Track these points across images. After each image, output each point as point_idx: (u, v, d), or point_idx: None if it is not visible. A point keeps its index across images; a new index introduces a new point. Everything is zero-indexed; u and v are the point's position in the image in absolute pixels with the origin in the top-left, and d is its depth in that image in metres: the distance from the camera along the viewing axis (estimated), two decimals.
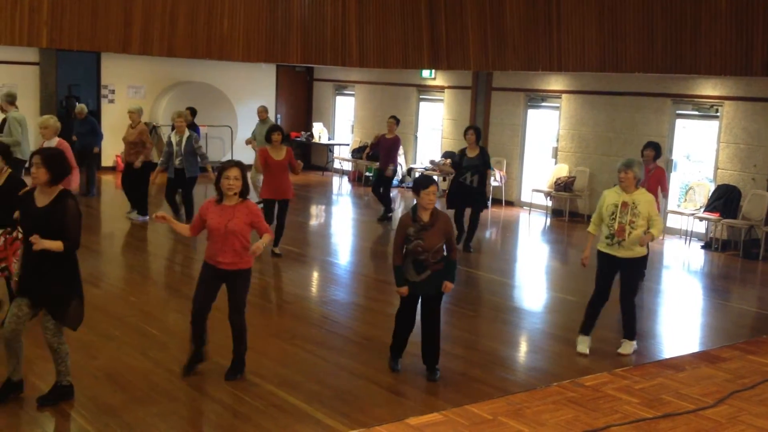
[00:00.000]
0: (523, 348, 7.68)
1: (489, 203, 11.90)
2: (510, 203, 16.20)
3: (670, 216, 13.55)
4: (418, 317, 6.51)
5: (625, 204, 6.95)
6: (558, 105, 15.42)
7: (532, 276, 10.92)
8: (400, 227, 6.28)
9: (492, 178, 11.61)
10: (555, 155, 15.44)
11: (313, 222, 14.56)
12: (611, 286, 7.20)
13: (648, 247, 7.44)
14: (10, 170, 6.76)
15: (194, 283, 8.68)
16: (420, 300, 6.40)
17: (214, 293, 6.16)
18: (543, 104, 15.93)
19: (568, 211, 14.79)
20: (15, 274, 5.65)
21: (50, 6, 15.17)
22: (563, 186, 14.67)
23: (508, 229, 14.35)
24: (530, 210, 15.63)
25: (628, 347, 7.22)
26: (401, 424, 5.45)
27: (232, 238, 5.95)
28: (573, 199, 14.81)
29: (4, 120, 12.02)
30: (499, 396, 6.06)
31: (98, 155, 15.02)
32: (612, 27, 12.90)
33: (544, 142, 15.96)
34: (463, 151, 11.45)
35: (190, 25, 16.73)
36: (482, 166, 11.29)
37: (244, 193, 6.04)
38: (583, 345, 7.22)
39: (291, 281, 9.70)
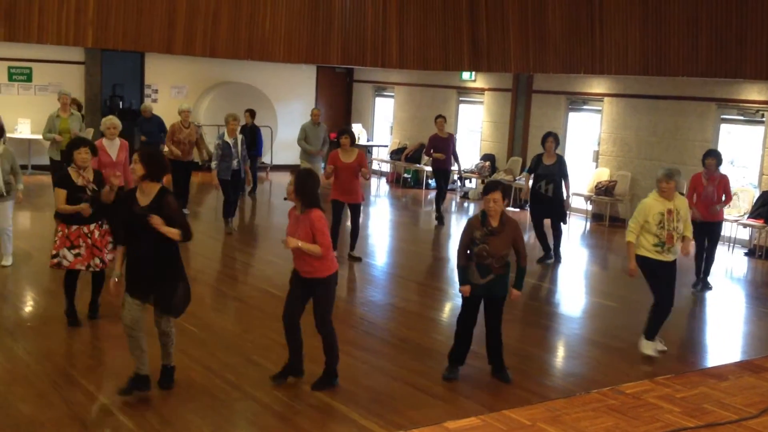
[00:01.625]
0: (561, 353, 7.60)
1: (565, 215, 11.34)
2: None
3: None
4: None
5: (670, 211, 7.08)
6: (600, 108, 15.24)
7: (571, 280, 10.80)
8: (468, 229, 6.29)
9: (568, 189, 11.07)
10: (596, 159, 15.27)
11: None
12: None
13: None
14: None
15: (235, 283, 8.78)
16: (483, 303, 6.41)
17: (300, 298, 6.05)
18: (584, 107, 15.76)
19: (609, 216, 14.61)
20: (115, 274, 5.76)
21: (96, 6, 15.43)
22: (604, 190, 14.49)
23: (547, 234, 14.19)
24: (570, 214, 15.44)
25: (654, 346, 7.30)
26: (439, 428, 5.43)
27: (296, 251, 5.90)
28: (614, 204, 14.62)
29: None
30: (537, 402, 6.01)
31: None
32: (656, 29, 12.71)
33: (584, 146, 15.79)
34: (539, 158, 11.03)
35: (232, 26, 16.89)
36: (558, 175, 10.84)
37: (308, 202, 5.91)
38: (650, 348, 7.29)
39: None
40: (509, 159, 16.63)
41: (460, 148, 18.03)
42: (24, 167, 16.23)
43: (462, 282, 6.35)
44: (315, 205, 5.92)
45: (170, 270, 5.67)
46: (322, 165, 14.46)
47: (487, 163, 16.67)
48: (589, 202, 14.93)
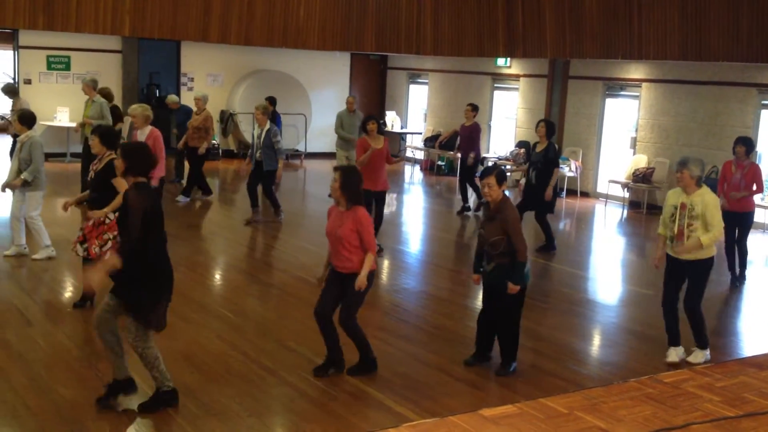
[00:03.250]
0: (597, 342, 7.53)
1: (551, 206, 10.64)
2: (585, 194, 15.90)
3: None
4: None
5: (683, 205, 6.53)
6: (637, 94, 15.02)
7: (607, 268, 10.69)
8: (481, 215, 6.30)
9: (556, 178, 10.49)
10: (633, 145, 15.06)
11: (385, 210, 14.52)
12: (678, 290, 6.76)
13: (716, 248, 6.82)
14: (112, 155, 6.82)
15: (272, 271, 8.84)
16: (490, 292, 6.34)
17: (335, 294, 6.03)
18: (622, 93, 15.55)
19: (646, 203, 14.42)
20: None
21: None
22: (641, 177, 14.30)
23: (583, 221, 14.10)
24: (606, 201, 15.30)
25: (699, 356, 6.72)
26: (475, 415, 5.42)
27: (339, 244, 5.90)
28: (651, 191, 14.43)
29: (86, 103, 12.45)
30: (574, 390, 5.97)
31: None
32: (695, 14, 12.47)
33: (622, 132, 15.59)
34: (534, 145, 10.83)
35: (267, 14, 16.93)
36: (543, 162, 10.39)
37: (353, 199, 5.88)
38: (672, 355, 6.74)
39: None
40: None
41: (494, 135, 18.07)
42: (62, 155, 16.55)
43: (473, 269, 6.41)
44: (359, 202, 5.90)
45: (139, 283, 5.12)
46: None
47: (522, 150, 16.53)
48: (626, 189, 14.75)
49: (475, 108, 13.67)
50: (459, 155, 14.13)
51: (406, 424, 5.26)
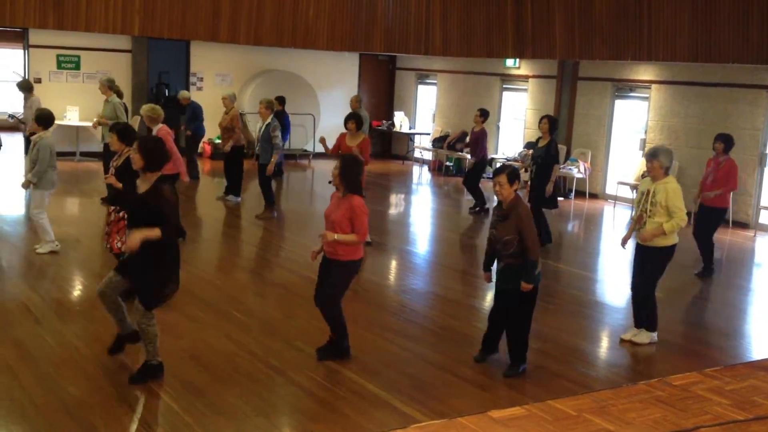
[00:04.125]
0: (605, 344, 7.50)
1: (553, 202, 10.89)
2: (594, 195, 15.86)
3: (762, 212, 13.04)
4: None
5: (648, 192, 6.90)
6: (647, 96, 14.97)
7: (616, 270, 10.65)
8: (492, 215, 6.37)
9: (556, 174, 10.61)
10: (643, 147, 15.00)
11: (393, 211, 14.58)
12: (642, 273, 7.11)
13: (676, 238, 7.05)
14: (131, 151, 6.90)
15: (279, 270, 8.86)
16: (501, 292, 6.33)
17: (326, 279, 6.29)
18: (631, 95, 15.50)
19: None
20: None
21: None
22: None
23: (592, 222, 14.05)
24: (615, 203, 15.25)
25: (644, 337, 7.11)
26: (484, 417, 5.40)
27: (331, 229, 6.07)
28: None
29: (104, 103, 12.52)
30: (582, 392, 5.94)
31: (191, 138, 15.20)
32: (705, 15, 12.42)
33: (631, 134, 15.54)
34: (537, 141, 10.95)
35: (276, 15, 16.95)
36: (543, 158, 10.53)
37: (350, 187, 6.07)
38: (628, 333, 7.25)
39: (370, 269, 9.72)
40: None
41: (503, 136, 18.03)
42: (72, 154, 16.60)
43: (483, 268, 6.50)
44: (357, 191, 6.10)
45: (157, 264, 5.48)
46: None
47: (531, 152, 16.48)
48: (635, 191, 14.68)
49: (483, 113, 13.67)
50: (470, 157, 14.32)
51: (414, 426, 5.25)
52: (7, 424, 4.96)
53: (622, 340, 7.19)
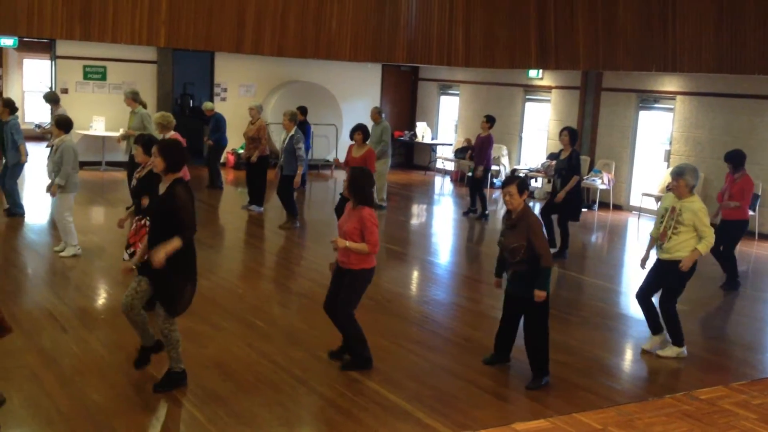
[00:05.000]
0: (629, 357, 7.42)
1: (576, 213, 11.05)
2: (618, 207, 15.75)
3: None
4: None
5: (673, 209, 6.92)
6: (672, 107, 14.87)
7: (640, 283, 10.53)
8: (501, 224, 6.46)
9: (573, 184, 10.69)
10: (667, 158, 14.90)
11: (414, 221, 14.58)
12: (654, 287, 7.17)
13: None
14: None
15: (301, 280, 8.88)
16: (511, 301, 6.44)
17: (336, 289, 6.38)
18: (655, 106, 15.40)
19: None
20: (132, 262, 5.95)
21: (168, 7, 15.77)
22: None
23: (616, 234, 13.95)
24: (639, 214, 15.13)
25: (670, 351, 7.07)
26: (507, 429, 5.37)
27: (344, 238, 6.19)
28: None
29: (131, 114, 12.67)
30: (607, 405, 5.89)
31: (216, 149, 15.39)
32: (731, 25, 12.32)
33: (655, 145, 15.43)
34: (559, 153, 11.09)
35: (299, 26, 17.05)
36: (566, 170, 10.67)
37: (359, 198, 6.19)
38: (647, 343, 7.29)
39: (392, 280, 9.72)
40: None
41: (525, 147, 17.98)
42: (98, 164, 16.77)
43: (495, 274, 6.64)
44: (367, 202, 6.21)
45: (176, 268, 5.50)
46: (389, 163, 14.52)
47: (554, 162, 16.42)
48: (659, 202, 14.55)
49: (489, 119, 13.72)
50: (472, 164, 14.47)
51: None
52: (33, 431, 5.00)
53: (644, 351, 7.21)
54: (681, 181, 6.86)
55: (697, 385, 6.40)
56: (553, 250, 10.98)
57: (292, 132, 11.83)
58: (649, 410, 5.84)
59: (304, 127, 15.13)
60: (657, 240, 7.06)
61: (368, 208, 6.19)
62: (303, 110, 15.12)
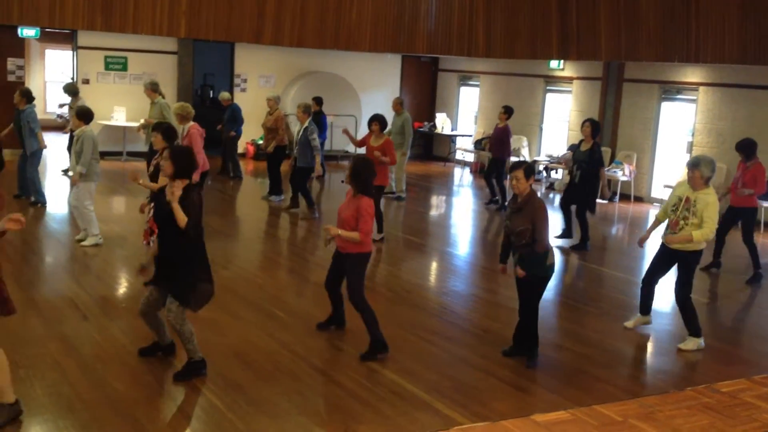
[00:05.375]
0: (650, 349, 7.37)
1: (592, 205, 11.12)
2: (639, 199, 15.63)
3: None
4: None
5: (687, 199, 6.96)
6: (694, 98, 14.71)
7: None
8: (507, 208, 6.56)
9: (605, 178, 10.86)
10: (689, 150, 14.75)
11: (434, 212, 14.55)
12: (659, 272, 7.36)
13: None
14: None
15: (320, 270, 8.91)
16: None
17: (335, 271, 6.70)
18: (678, 97, 15.25)
19: None
20: (143, 261, 6.07)
21: None
22: None
23: (636, 226, 13.83)
24: (660, 206, 14.98)
25: (690, 344, 7.09)
26: (527, 420, 5.35)
27: (341, 225, 6.37)
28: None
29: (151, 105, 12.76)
30: (628, 398, 5.85)
31: (233, 139, 15.50)
32: (755, 16, 12.16)
33: (678, 137, 15.28)
34: (578, 144, 11.03)
35: (319, 17, 17.04)
36: (588, 162, 10.61)
37: (360, 187, 6.33)
38: (630, 322, 7.56)
39: (410, 271, 9.72)
40: None
41: (546, 138, 17.88)
42: (119, 154, 16.88)
43: (500, 260, 6.70)
44: (366, 191, 6.34)
45: (188, 269, 5.62)
46: (408, 154, 14.52)
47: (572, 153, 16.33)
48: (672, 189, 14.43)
49: (507, 110, 13.74)
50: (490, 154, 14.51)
51: (457, 428, 5.22)
52: (55, 419, 5.05)
53: (626, 328, 7.49)
54: (696, 172, 6.88)
55: (719, 378, 6.35)
56: (572, 242, 11.06)
57: (306, 124, 11.93)
58: (670, 403, 5.80)
59: (320, 118, 15.18)
60: (665, 226, 7.18)
61: (367, 198, 6.32)
62: (318, 101, 15.18)
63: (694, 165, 6.92)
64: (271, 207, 12.98)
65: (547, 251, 6.27)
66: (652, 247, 7.94)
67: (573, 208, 11.09)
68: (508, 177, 6.42)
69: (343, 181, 6.78)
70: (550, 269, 6.34)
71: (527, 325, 6.43)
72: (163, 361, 6.03)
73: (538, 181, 16.84)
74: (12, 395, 4.97)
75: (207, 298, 5.77)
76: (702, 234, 6.86)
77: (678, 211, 6.99)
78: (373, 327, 6.44)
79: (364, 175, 6.33)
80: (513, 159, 16.92)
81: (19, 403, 5.01)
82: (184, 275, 5.61)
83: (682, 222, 6.94)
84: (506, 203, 13.63)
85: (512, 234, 6.34)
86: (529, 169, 6.31)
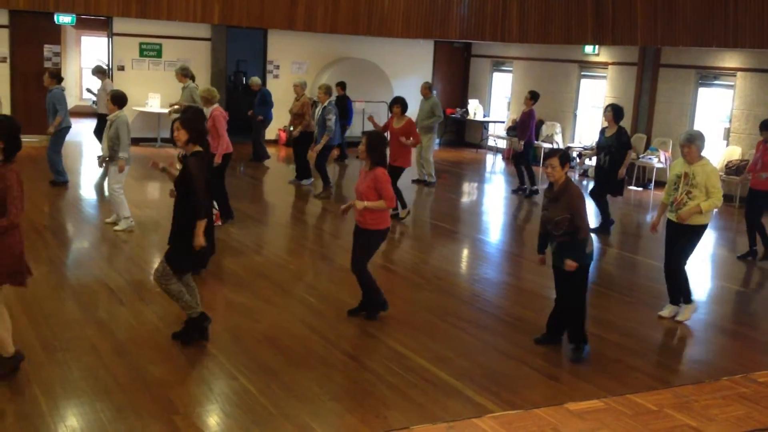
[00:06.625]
0: (685, 338, 7.28)
1: (622, 188, 11.24)
2: None
3: None
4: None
5: (686, 175, 7.08)
6: (732, 83, 14.44)
7: (695, 263, 10.31)
8: (543, 197, 6.47)
9: (629, 159, 10.82)
10: (727, 137, 14.50)
11: (465, 199, 14.49)
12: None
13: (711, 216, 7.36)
14: None
15: (348, 255, 8.91)
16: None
17: (356, 246, 6.89)
18: (715, 82, 14.98)
19: (739, 197, 13.85)
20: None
21: None
22: (735, 169, 13.75)
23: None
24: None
25: (687, 312, 7.28)
26: (560, 409, 5.32)
27: (360, 199, 6.62)
28: (745, 184, 13.79)
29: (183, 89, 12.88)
30: (662, 387, 5.80)
31: (261, 123, 15.56)
32: None
33: (715, 123, 15.02)
34: (603, 130, 11.03)
35: (352, 2, 17.00)
36: (615, 147, 10.64)
37: (375, 160, 6.63)
38: (665, 311, 7.49)
39: (442, 257, 9.71)
40: (633, 136, 16.00)
41: (580, 125, 17.67)
42: (153, 140, 17.04)
43: (537, 250, 6.60)
44: (381, 164, 6.67)
45: (184, 232, 5.89)
46: (436, 140, 14.50)
47: None
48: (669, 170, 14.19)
49: (533, 95, 13.77)
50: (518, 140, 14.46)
51: (490, 415, 5.20)
52: (91, 401, 5.14)
53: (660, 317, 7.41)
54: (693, 146, 7.05)
55: (755, 368, 6.25)
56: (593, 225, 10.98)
57: (325, 104, 12.21)
58: (706, 392, 5.73)
59: (345, 102, 15.24)
60: (673, 205, 7.20)
61: (381, 168, 6.62)
62: (343, 85, 15.23)
63: (689, 140, 7.09)
64: (298, 191, 13.04)
65: (587, 239, 6.20)
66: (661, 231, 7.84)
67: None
68: (542, 165, 6.41)
69: (357, 157, 6.97)
70: (590, 257, 6.27)
71: (572, 318, 6.28)
72: (197, 344, 6.09)
73: (572, 168, 16.67)
74: (11, 347, 5.25)
75: (200, 262, 6.21)
76: (711, 204, 6.99)
77: (679, 188, 7.11)
78: (374, 293, 6.81)
79: (379, 147, 6.62)
80: (545, 145, 16.82)
81: (19, 352, 5.30)
82: (180, 242, 5.89)
83: (686, 197, 7.06)
84: (535, 188, 13.58)
85: (550, 224, 6.25)
86: (564, 156, 6.23)
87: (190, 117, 6.03)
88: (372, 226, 6.70)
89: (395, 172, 10.70)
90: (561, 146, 17.64)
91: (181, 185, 5.92)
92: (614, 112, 10.72)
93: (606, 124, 10.87)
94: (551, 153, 6.28)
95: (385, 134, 10.46)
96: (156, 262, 8.73)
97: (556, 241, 6.28)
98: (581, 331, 6.28)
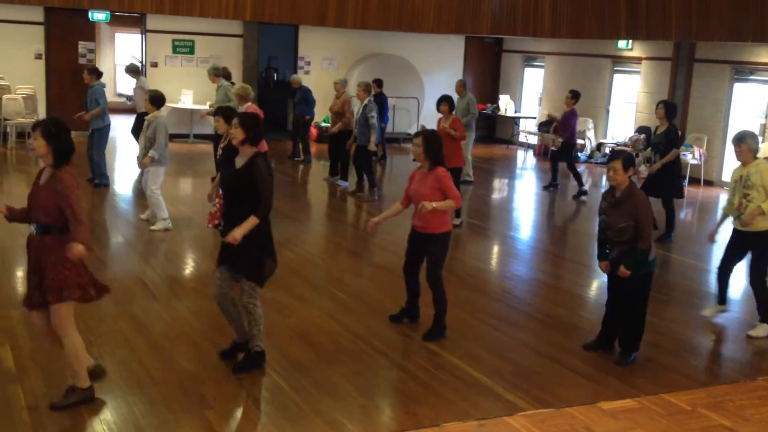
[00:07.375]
0: (720, 338, 7.19)
1: (679, 191, 10.73)
2: (709, 183, 15.19)
3: None
4: None
5: (740, 178, 6.90)
6: None
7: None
8: (600, 201, 6.22)
9: (671, 157, 10.15)
10: (763, 132, 14.26)
11: (496, 195, 14.43)
12: (734, 260, 7.21)
13: None
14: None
15: (381, 252, 8.92)
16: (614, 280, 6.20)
17: (416, 253, 6.56)
18: (751, 78, 14.73)
19: None
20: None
21: None
22: None
23: (706, 211, 13.48)
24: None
25: (760, 330, 6.94)
26: (593, 408, 5.29)
27: (420, 202, 6.23)
28: None
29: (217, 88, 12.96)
30: (696, 387, 5.73)
31: (307, 123, 15.59)
32: None
33: (750, 119, 14.78)
34: (655, 129, 10.65)
35: None
36: (665, 144, 10.17)
37: (434, 160, 6.31)
38: (707, 310, 7.43)
39: (473, 254, 9.67)
40: None
41: (613, 121, 17.50)
42: (186, 136, 17.19)
43: (598, 257, 6.27)
44: (440, 162, 6.33)
45: (253, 243, 5.43)
46: (473, 137, 14.38)
47: (642, 136, 15.95)
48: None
49: (574, 95, 13.52)
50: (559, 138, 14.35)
51: (521, 414, 5.18)
52: (124, 394, 5.20)
53: (704, 316, 7.36)
54: (743, 146, 6.85)
55: None
56: (656, 233, 10.76)
57: (366, 102, 12.08)
58: (741, 392, 5.66)
59: (381, 99, 15.18)
60: (732, 213, 7.07)
61: (441, 167, 6.29)
62: (379, 83, 15.18)
63: (739, 139, 6.90)
64: (333, 190, 13.06)
65: (650, 246, 5.95)
66: (723, 235, 7.69)
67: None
68: (606, 167, 6.10)
69: (414, 159, 6.72)
70: (653, 263, 6.04)
71: (631, 325, 6.08)
72: (230, 340, 6.12)
73: (590, 162, 16.52)
74: (87, 381, 5.03)
75: (270, 274, 5.64)
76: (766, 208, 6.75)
77: (737, 192, 6.94)
78: (443, 311, 6.46)
79: (436, 146, 6.30)
80: (580, 142, 16.67)
81: (92, 389, 5.05)
82: (251, 251, 5.45)
83: (744, 201, 6.85)
84: (583, 189, 13.34)
85: (610, 230, 6.00)
86: (628, 159, 5.91)
87: (250, 117, 5.69)
88: (437, 229, 6.33)
89: (453, 174, 10.47)
90: (593, 142, 17.48)
91: (243, 185, 5.43)
92: (666, 109, 10.27)
93: (658, 121, 10.43)
94: (614, 155, 5.95)
95: None
96: (190, 257, 8.83)
97: (617, 248, 6.01)
98: (637, 340, 6.12)
